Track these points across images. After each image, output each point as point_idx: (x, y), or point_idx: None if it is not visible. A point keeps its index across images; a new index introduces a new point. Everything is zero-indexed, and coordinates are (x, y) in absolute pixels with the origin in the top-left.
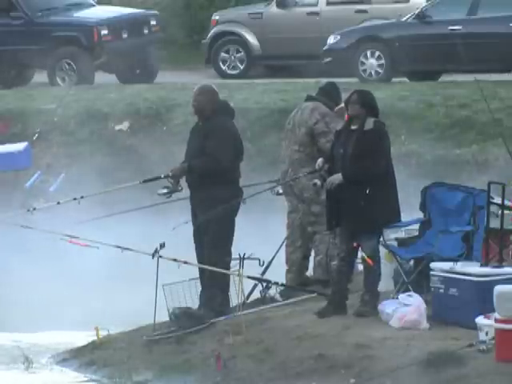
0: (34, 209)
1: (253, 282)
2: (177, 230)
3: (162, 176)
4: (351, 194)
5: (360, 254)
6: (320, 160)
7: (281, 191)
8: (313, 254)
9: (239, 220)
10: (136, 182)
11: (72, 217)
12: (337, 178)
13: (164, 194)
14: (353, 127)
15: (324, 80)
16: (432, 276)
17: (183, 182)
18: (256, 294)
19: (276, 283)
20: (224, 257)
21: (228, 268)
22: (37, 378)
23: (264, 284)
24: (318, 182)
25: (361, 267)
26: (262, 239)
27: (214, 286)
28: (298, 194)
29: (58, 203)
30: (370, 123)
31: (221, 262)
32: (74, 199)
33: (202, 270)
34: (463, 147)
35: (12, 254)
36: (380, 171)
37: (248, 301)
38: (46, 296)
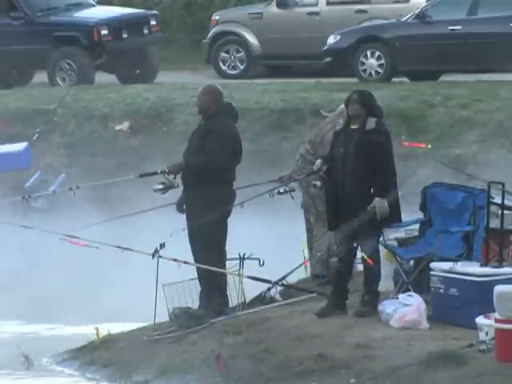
0: (29, 196)
1: (253, 283)
2: (176, 229)
3: (159, 172)
4: (353, 195)
5: (360, 254)
6: (319, 161)
7: (282, 190)
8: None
9: (239, 220)
10: (132, 176)
11: (73, 218)
12: (384, 207)
13: (160, 189)
14: (352, 127)
15: (324, 80)
16: (432, 276)
17: (179, 179)
18: (256, 294)
19: (276, 283)
20: (219, 257)
21: (224, 268)
22: (37, 379)
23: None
24: (318, 184)
25: (360, 267)
26: (261, 239)
27: (212, 286)
28: None
29: (54, 192)
30: (371, 123)
31: (217, 263)
32: (70, 189)
33: (199, 271)
34: (463, 147)
35: (11, 252)
36: (392, 171)
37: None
38: (44, 295)
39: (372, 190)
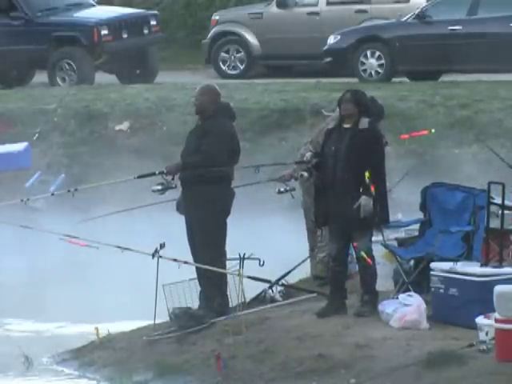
0: (28, 199)
1: (253, 283)
2: (176, 229)
3: (157, 172)
4: (343, 193)
5: (354, 253)
6: (309, 154)
7: (282, 189)
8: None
9: (238, 220)
10: (130, 177)
11: (73, 217)
12: (369, 206)
13: (158, 190)
14: (345, 126)
15: (324, 80)
16: (432, 276)
17: (177, 179)
18: (256, 294)
19: (276, 283)
20: (219, 257)
21: (224, 267)
22: (37, 379)
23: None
24: (305, 174)
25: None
26: (260, 239)
27: (212, 286)
28: None
29: (52, 194)
30: (364, 123)
31: (217, 263)
32: (68, 191)
33: (199, 271)
34: (463, 147)
35: (11, 252)
36: (382, 171)
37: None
38: (44, 295)
39: (361, 189)
